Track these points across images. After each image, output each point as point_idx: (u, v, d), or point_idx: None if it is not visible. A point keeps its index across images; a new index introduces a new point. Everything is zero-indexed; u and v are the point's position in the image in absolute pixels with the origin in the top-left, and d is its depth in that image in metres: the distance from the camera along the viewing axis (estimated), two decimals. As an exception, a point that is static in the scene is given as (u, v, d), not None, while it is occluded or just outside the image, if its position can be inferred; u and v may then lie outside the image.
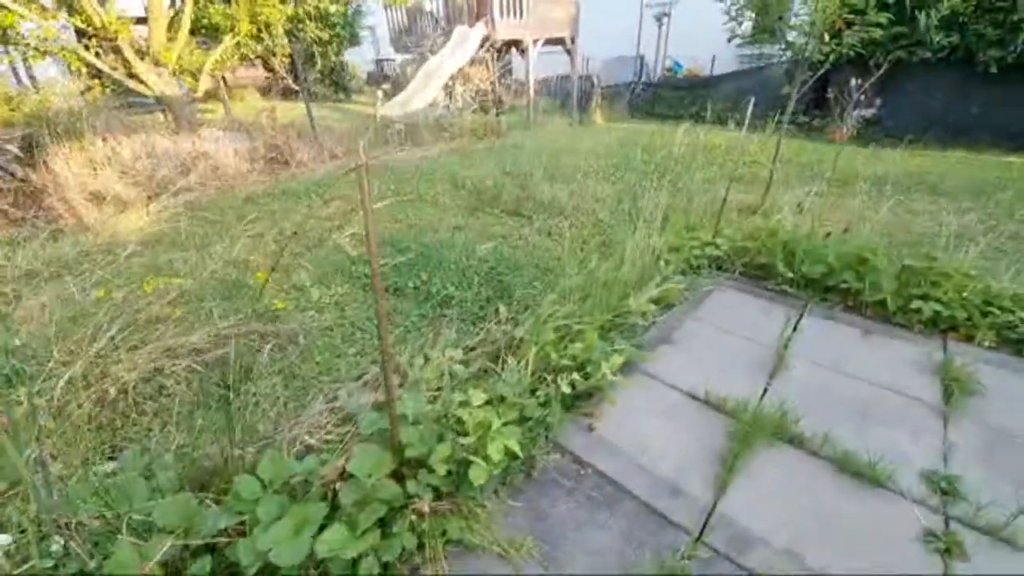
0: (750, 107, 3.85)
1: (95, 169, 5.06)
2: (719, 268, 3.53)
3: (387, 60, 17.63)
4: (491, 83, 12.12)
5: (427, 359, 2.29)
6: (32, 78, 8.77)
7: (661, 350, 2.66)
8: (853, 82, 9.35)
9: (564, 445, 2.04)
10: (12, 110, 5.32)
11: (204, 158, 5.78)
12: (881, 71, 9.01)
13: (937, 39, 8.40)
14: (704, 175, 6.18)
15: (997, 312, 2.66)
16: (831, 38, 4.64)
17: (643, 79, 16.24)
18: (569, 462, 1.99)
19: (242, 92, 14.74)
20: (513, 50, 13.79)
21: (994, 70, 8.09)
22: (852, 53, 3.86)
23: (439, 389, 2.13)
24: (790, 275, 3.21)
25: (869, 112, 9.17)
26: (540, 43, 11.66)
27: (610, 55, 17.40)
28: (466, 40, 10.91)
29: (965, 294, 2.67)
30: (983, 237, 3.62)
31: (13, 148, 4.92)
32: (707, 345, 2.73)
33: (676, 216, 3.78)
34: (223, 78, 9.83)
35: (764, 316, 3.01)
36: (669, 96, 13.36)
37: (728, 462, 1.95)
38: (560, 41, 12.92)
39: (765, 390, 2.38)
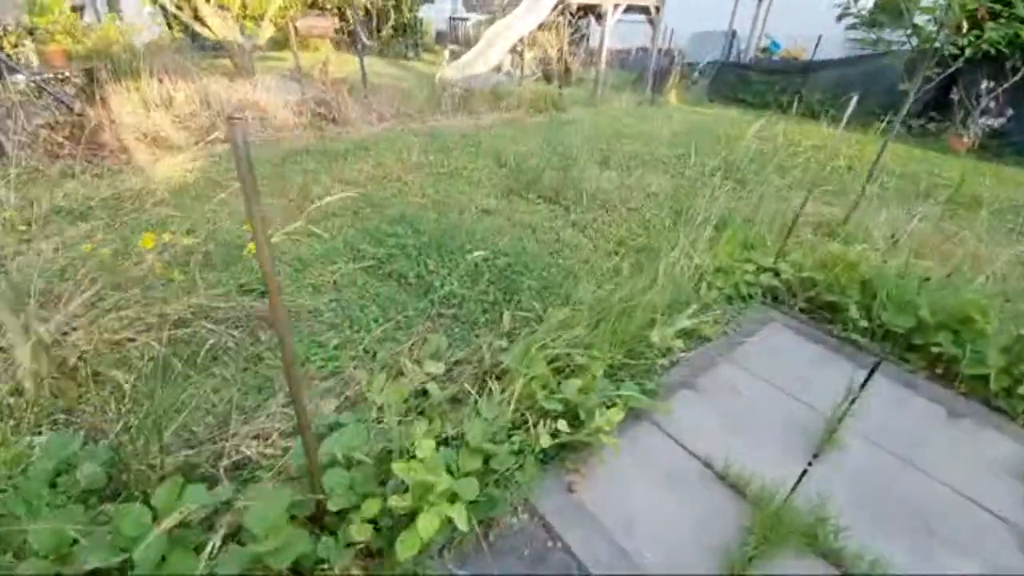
0: (853, 102, 3.12)
1: (147, 110, 5.10)
2: (775, 299, 2.95)
3: (461, 19, 17.00)
4: (559, 51, 11.33)
5: (401, 372, 1.99)
6: (117, 12, 9.06)
7: (681, 397, 2.21)
8: (984, 85, 7.83)
9: (535, 505, 1.69)
10: (77, 42, 5.43)
11: (254, 107, 5.70)
12: (1019, 75, 7.43)
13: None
14: (782, 179, 5.36)
15: None
16: (969, 29, 3.69)
17: (732, 58, 14.66)
18: (537, 527, 1.64)
19: (318, 43, 14.76)
20: (591, 16, 12.79)
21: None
22: (992, 51, 2.99)
23: (407, 413, 1.83)
24: (864, 323, 2.59)
25: (998, 122, 7.65)
26: (620, 9, 10.63)
27: (699, 29, 15.81)
28: (539, 2, 10.14)
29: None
30: None
31: (76, 81, 5.03)
32: (740, 399, 2.24)
33: (733, 228, 3.19)
34: (294, 27, 9.74)
35: (821, 369, 2.46)
36: (758, 80, 11.90)
37: (736, 568, 1.53)
38: (644, 9, 11.76)
39: (803, 473, 1.89)
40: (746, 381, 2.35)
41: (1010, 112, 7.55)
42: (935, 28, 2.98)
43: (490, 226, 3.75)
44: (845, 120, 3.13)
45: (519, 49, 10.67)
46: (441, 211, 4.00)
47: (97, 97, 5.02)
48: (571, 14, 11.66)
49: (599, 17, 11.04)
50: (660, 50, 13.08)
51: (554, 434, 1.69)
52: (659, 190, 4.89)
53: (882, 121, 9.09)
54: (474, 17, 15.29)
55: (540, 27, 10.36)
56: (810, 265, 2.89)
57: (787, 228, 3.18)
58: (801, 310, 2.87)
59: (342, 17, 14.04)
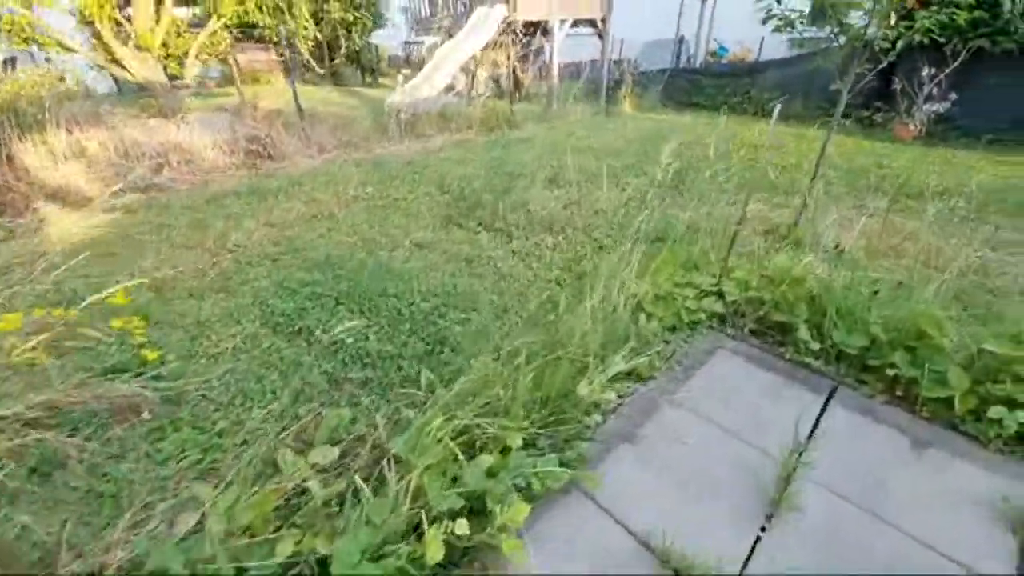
0: (777, 110, 2.96)
1: (56, 163, 4.70)
2: (723, 321, 2.72)
3: (415, 42, 16.91)
4: (511, 68, 11.25)
5: (276, 467, 1.66)
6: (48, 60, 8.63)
7: (618, 456, 1.93)
8: (925, 72, 7.92)
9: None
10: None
11: (177, 150, 5.34)
12: (958, 61, 7.53)
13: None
14: (730, 183, 5.22)
15: None
16: (900, 19, 3.62)
17: (683, 64, 14.84)
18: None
19: (269, 76, 14.44)
20: (540, 32, 12.80)
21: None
22: (925, 40, 2.87)
23: (283, 525, 1.50)
24: (816, 344, 2.37)
25: (942, 107, 7.74)
26: (567, 24, 10.61)
27: (649, 38, 16.00)
28: (485, 21, 10.04)
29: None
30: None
31: (-25, 139, 4.61)
32: (685, 449, 1.97)
33: (672, 248, 2.95)
34: (235, 61, 9.45)
35: (774, 401, 2.21)
36: (709, 84, 12.02)
37: None
38: (591, 22, 11.80)
39: (756, 542, 1.62)
40: (692, 425, 2.08)
41: (954, 96, 7.64)
42: (864, 24, 2.82)
43: (422, 263, 3.46)
44: (774, 119, 2.96)
45: (472, 68, 10.54)
46: (371, 249, 3.70)
47: (3, 155, 4.62)
48: (519, 32, 11.63)
49: (546, 33, 11.00)
50: (612, 61, 13.14)
51: (450, 541, 1.39)
52: (608, 206, 4.68)
53: (830, 116, 9.19)
54: (428, 40, 15.20)
55: (491, 46, 10.24)
56: (756, 283, 2.67)
57: (728, 244, 2.96)
58: (751, 332, 2.64)
59: (291, 47, 13.77)
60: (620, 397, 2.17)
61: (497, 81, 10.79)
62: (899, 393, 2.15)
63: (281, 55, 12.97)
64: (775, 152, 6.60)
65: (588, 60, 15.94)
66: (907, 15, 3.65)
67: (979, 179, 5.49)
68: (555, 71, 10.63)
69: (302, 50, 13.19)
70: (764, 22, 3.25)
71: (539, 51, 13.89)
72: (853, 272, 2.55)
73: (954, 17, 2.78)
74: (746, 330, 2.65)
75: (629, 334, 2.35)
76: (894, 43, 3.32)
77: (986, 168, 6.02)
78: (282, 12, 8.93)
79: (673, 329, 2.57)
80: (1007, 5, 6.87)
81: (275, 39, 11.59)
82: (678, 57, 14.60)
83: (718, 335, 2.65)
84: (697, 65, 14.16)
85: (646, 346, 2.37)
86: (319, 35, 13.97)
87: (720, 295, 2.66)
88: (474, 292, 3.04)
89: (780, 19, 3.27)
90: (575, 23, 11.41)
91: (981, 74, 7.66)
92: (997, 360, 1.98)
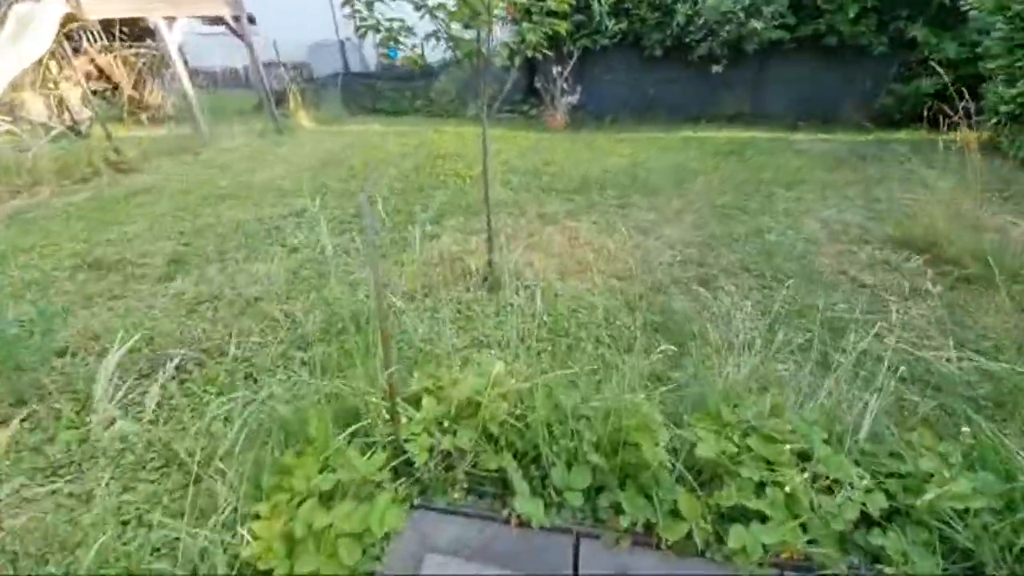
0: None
1: None
2: (423, 490, 1.77)
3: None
4: (122, 81, 8.01)
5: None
6: None
7: None
8: (555, 71, 9.07)
9: None
10: None
11: None
12: (572, 60, 8.88)
13: (610, 25, 8.48)
14: (426, 212, 4.47)
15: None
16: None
17: (358, 68, 13.82)
18: None
19: None
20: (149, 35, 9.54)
21: (658, 53, 8.58)
22: (539, 53, 2.45)
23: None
24: (540, 495, 1.66)
25: (574, 99, 9.00)
26: (179, 24, 7.98)
27: (315, 39, 14.27)
28: (29, 25, 6.53)
29: (789, 489, 1.49)
30: (735, 298, 2.79)
31: None
32: None
33: (310, 447, 1.83)
34: None
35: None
36: (388, 89, 11.36)
37: None
38: (219, 20, 9.34)
39: None
40: None
41: (579, 89, 8.94)
42: (473, 36, 2.17)
43: None
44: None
45: (52, 93, 6.86)
46: None
47: None
48: (122, 35, 8.32)
49: (151, 34, 8.12)
50: (281, 65, 11.02)
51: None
52: (262, 291, 3.23)
53: (505, 114, 9.73)
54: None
55: (61, 56, 6.80)
56: (442, 412, 1.80)
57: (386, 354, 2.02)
58: (467, 487, 1.78)
59: None
60: None
61: (87, 105, 7.42)
62: (641, 531, 1.62)
63: None
64: (461, 161, 6.27)
65: (242, 66, 13.23)
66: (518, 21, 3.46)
67: (616, 162, 6.31)
68: (187, 84, 7.96)
69: None
70: (359, 33, 2.34)
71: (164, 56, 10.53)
72: (551, 364, 1.94)
73: (555, 28, 2.40)
74: (462, 486, 1.77)
75: None
76: (509, 53, 2.95)
77: (617, 148, 7.06)
78: None
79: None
80: (595, 7, 8.20)
81: None
82: (345, 60, 13.47)
83: (424, 513, 1.69)
84: (372, 69, 13.36)
85: None
86: None
87: (397, 453, 1.68)
88: None
89: (385, 31, 2.41)
90: (208, 21, 8.86)
91: (593, 68, 9.18)
92: (708, 466, 1.60)
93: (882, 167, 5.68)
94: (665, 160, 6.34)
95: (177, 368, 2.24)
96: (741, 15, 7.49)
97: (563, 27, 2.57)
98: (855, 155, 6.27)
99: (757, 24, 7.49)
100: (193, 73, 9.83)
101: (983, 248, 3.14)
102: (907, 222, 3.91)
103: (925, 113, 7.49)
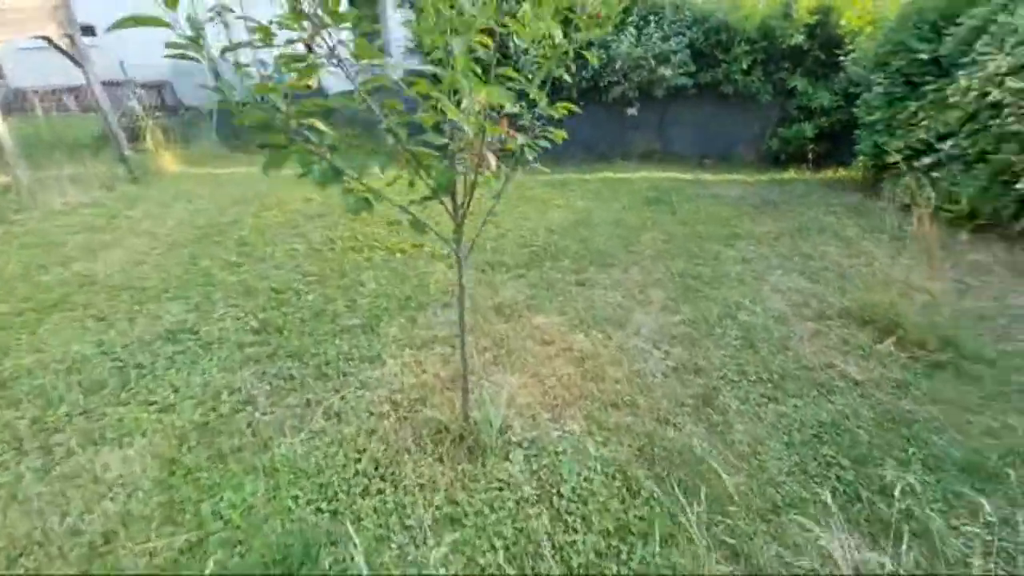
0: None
1: None
2: None
3: None
4: None
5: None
6: None
7: None
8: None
9: None
10: None
11: None
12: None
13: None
14: (349, 308, 3.49)
15: None
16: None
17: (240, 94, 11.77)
18: None
19: None
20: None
21: (574, 94, 8.38)
22: None
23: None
24: None
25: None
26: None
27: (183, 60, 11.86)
28: None
29: None
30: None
31: None
32: None
33: None
34: None
35: None
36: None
37: None
38: (44, 37, 7.09)
39: None
40: None
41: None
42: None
43: None
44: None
45: None
46: None
47: None
48: None
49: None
50: (134, 85, 8.81)
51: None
52: (106, 527, 2.04)
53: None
54: None
55: None
56: None
57: None
58: None
59: None
60: None
61: None
62: None
63: None
64: (387, 221, 5.29)
65: (88, 88, 10.63)
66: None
67: (559, 218, 5.83)
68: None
69: None
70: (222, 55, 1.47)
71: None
72: None
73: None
74: None
75: None
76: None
77: (552, 198, 6.59)
78: None
79: None
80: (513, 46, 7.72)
81: None
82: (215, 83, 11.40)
83: None
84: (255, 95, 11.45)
85: None
86: None
87: None
88: None
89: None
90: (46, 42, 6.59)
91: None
92: None
93: (795, 216, 5.94)
94: (603, 213, 6.02)
95: None
96: (652, 62, 7.56)
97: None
98: (766, 202, 6.54)
99: (666, 71, 7.62)
100: (18, 96, 7.31)
101: (940, 325, 3.22)
102: (851, 289, 3.97)
103: (809, 155, 8.33)
